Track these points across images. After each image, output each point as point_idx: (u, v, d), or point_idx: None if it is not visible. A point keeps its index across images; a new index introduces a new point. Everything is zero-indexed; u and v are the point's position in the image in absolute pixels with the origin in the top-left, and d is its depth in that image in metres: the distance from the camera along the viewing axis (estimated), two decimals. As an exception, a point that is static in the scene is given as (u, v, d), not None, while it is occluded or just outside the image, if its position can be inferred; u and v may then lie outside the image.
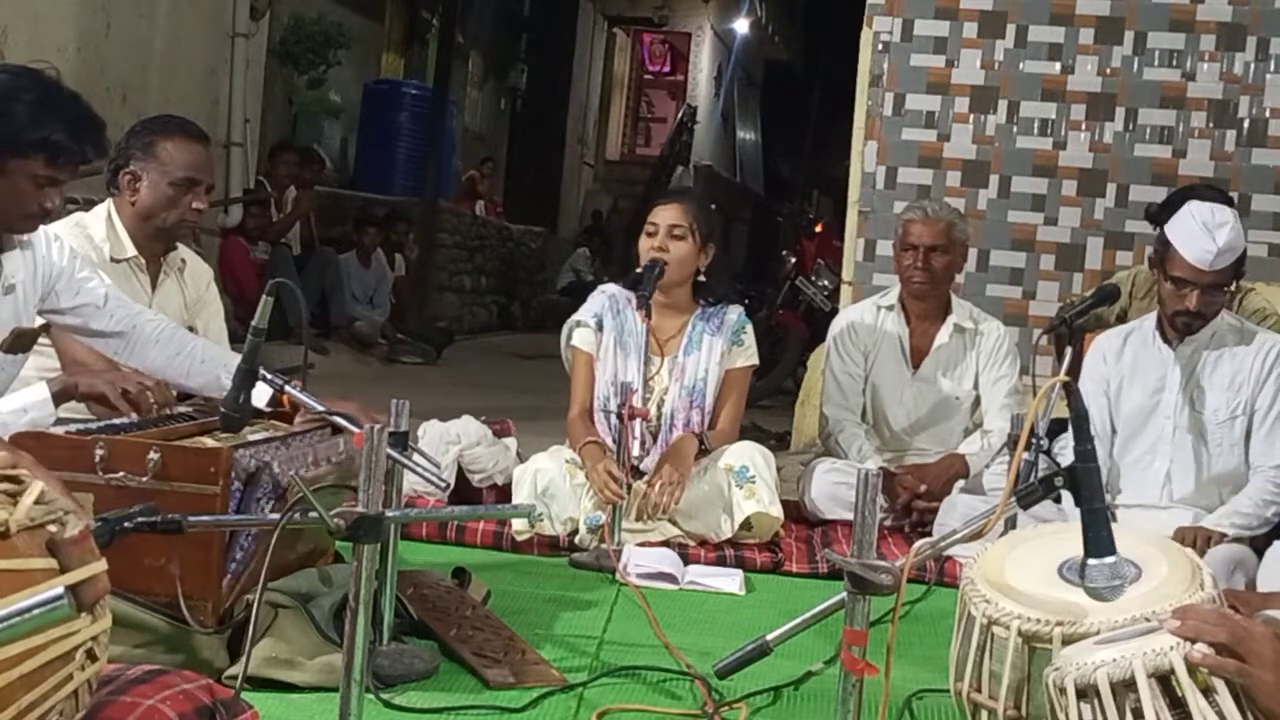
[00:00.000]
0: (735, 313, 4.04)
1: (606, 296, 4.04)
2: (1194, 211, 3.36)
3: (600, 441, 3.75)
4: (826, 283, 8.86)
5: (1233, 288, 3.49)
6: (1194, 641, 1.65)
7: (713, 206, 4.35)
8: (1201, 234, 3.30)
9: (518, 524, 3.58)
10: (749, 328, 4.05)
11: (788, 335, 8.78)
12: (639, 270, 3.95)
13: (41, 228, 2.75)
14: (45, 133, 2.49)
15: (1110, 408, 3.62)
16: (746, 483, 3.69)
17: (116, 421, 2.61)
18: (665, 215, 3.90)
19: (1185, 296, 3.38)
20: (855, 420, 4.32)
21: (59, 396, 2.73)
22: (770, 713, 2.44)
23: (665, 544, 3.61)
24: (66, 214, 3.12)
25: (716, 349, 3.96)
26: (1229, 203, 3.67)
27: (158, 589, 2.28)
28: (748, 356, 4.03)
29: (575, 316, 4.04)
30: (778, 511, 3.68)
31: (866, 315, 4.39)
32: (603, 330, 3.95)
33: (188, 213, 3.33)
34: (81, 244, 3.16)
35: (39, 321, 2.89)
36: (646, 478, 3.79)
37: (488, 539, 3.61)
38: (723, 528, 3.68)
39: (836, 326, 4.44)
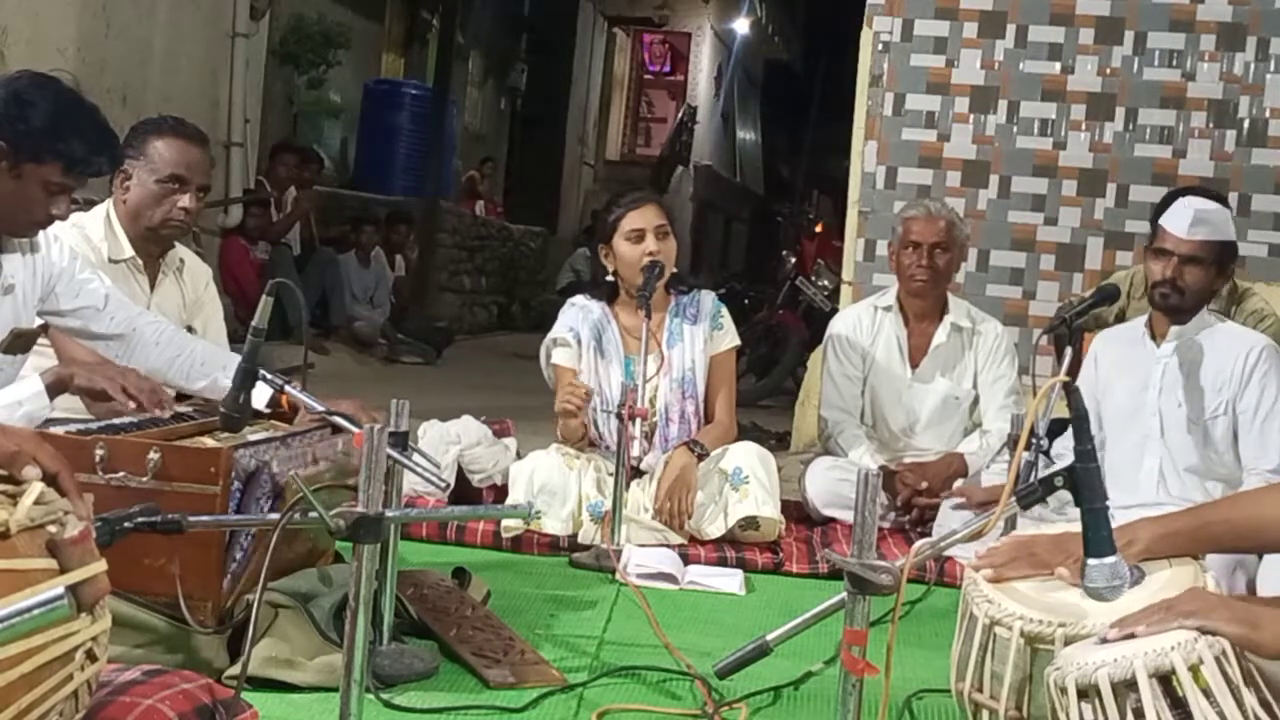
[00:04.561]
0: (709, 298, 4.07)
1: (578, 309, 4.01)
2: (1185, 196, 3.63)
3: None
4: (826, 283, 8.87)
5: (1214, 273, 3.49)
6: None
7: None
8: (1184, 208, 3.50)
9: (507, 520, 3.57)
10: (724, 310, 4.08)
11: (788, 335, 8.79)
12: (610, 278, 3.95)
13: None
14: (63, 141, 2.50)
15: (1098, 411, 3.64)
16: (741, 484, 3.70)
17: (116, 421, 2.61)
18: (648, 218, 3.88)
19: (1164, 267, 3.47)
20: (854, 421, 4.32)
21: (54, 388, 2.71)
22: (770, 713, 2.44)
23: (665, 545, 3.62)
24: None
25: (699, 337, 3.98)
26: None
27: (158, 589, 2.28)
28: (730, 339, 4.05)
29: (551, 335, 3.99)
30: (770, 513, 3.67)
31: (864, 317, 4.38)
32: (581, 344, 3.94)
33: (174, 212, 3.27)
34: (80, 244, 3.15)
35: (38, 323, 2.88)
36: (647, 479, 3.81)
37: (488, 539, 3.61)
38: (710, 529, 3.69)
39: (833, 329, 4.43)
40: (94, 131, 2.57)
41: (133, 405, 2.68)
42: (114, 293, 2.98)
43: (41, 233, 2.77)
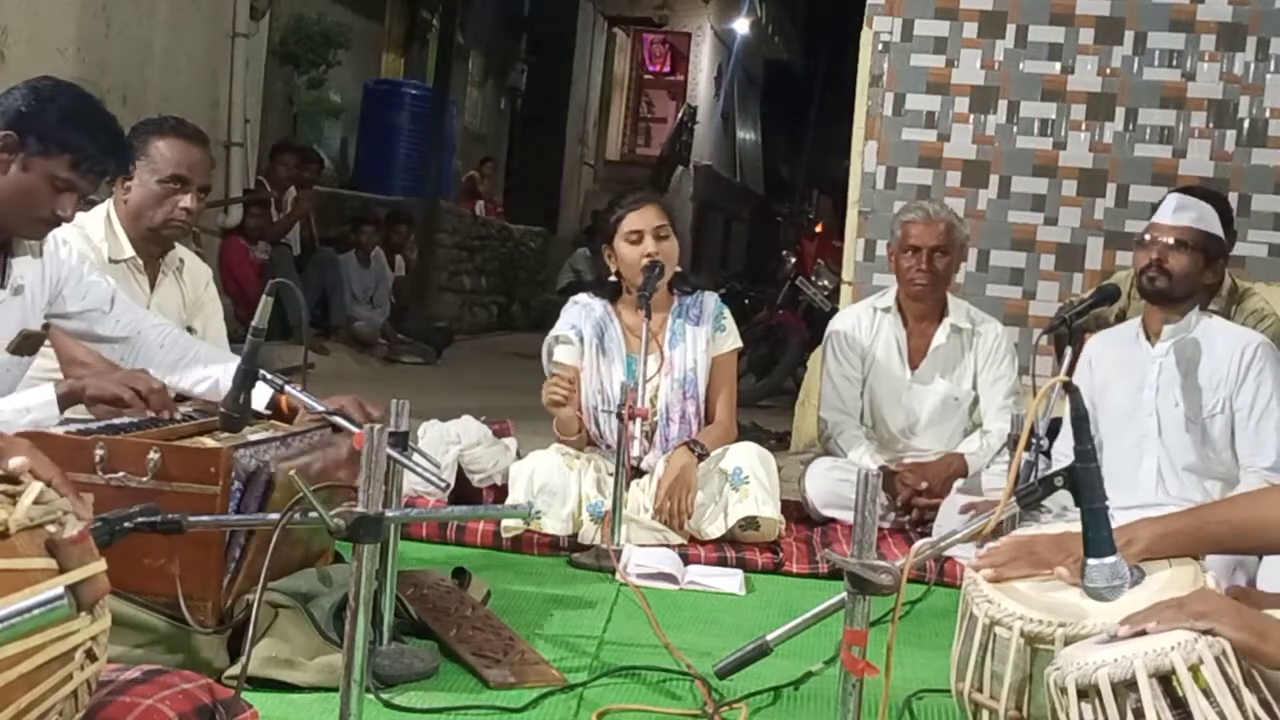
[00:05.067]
0: (712, 299, 4.07)
1: (581, 307, 4.01)
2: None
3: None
4: (826, 283, 8.86)
5: (1201, 263, 3.50)
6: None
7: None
8: (1170, 199, 3.61)
9: (507, 520, 3.57)
10: (727, 311, 4.08)
11: (788, 335, 8.79)
12: (613, 278, 3.95)
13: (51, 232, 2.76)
14: (73, 136, 2.55)
15: (1094, 413, 3.64)
16: (741, 484, 3.70)
17: (117, 421, 2.60)
18: (647, 219, 3.87)
19: (1150, 251, 3.51)
20: (854, 422, 4.31)
21: (65, 399, 2.69)
22: (770, 713, 2.44)
23: (665, 545, 3.62)
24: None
25: (701, 338, 3.98)
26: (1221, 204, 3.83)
27: (158, 589, 2.28)
28: (732, 341, 4.05)
29: (554, 332, 3.99)
30: (770, 513, 3.67)
31: (863, 318, 4.37)
32: (583, 342, 3.94)
33: (175, 212, 3.28)
34: (80, 244, 3.15)
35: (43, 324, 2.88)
36: (648, 479, 3.81)
37: (488, 539, 3.61)
38: (710, 529, 3.68)
39: (832, 329, 4.42)
40: (106, 134, 2.62)
41: (148, 412, 2.67)
42: (120, 295, 2.99)
43: (51, 235, 2.78)
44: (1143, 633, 1.72)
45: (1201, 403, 3.54)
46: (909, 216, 4.26)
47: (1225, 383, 3.53)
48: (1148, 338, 3.62)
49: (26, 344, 2.77)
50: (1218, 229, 3.56)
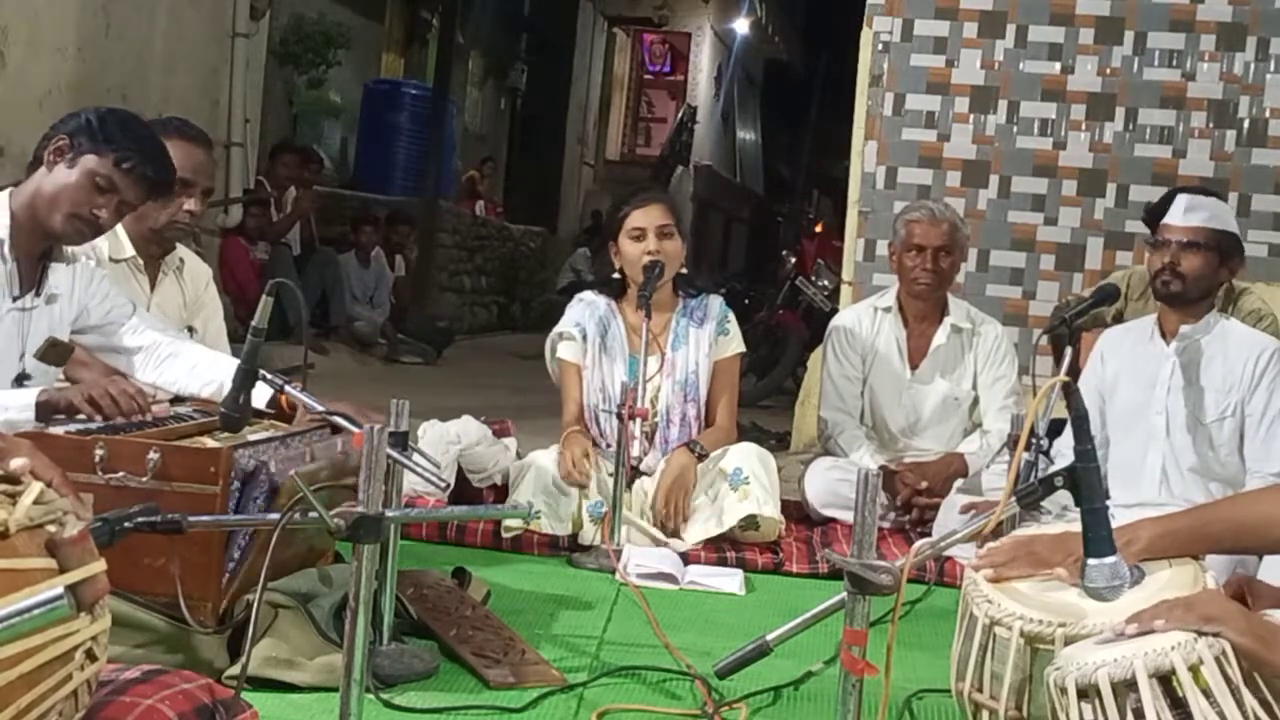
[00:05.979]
0: (717, 303, 4.06)
1: (585, 304, 4.01)
2: (1182, 194, 3.68)
3: (582, 430, 3.83)
4: (826, 283, 8.87)
5: (1215, 261, 3.48)
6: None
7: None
8: (1181, 200, 3.57)
9: (507, 520, 3.57)
10: (731, 315, 4.07)
11: (788, 335, 8.80)
12: (617, 276, 3.95)
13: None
14: (120, 136, 2.69)
15: (1103, 409, 3.64)
16: (741, 484, 3.69)
17: (117, 421, 2.60)
18: (651, 217, 3.87)
19: (1163, 254, 3.49)
20: (854, 422, 4.31)
21: (44, 408, 2.66)
22: (770, 713, 2.44)
23: (665, 545, 3.62)
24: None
25: (704, 341, 3.97)
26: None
27: (158, 589, 2.28)
28: (735, 345, 4.04)
29: (558, 329, 3.99)
30: (770, 512, 3.67)
31: (863, 318, 4.37)
32: (586, 340, 3.94)
33: (179, 214, 3.30)
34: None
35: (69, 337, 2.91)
36: (649, 479, 3.81)
37: (487, 539, 3.61)
38: (707, 525, 3.68)
39: (833, 329, 4.42)
40: (154, 147, 2.75)
41: (98, 418, 2.62)
42: (140, 307, 3.03)
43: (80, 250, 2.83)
44: (1150, 631, 1.72)
45: (1213, 405, 3.52)
46: (914, 215, 4.25)
47: (1238, 387, 3.51)
48: (1163, 336, 3.60)
49: (53, 353, 2.79)
50: (1232, 225, 3.53)
